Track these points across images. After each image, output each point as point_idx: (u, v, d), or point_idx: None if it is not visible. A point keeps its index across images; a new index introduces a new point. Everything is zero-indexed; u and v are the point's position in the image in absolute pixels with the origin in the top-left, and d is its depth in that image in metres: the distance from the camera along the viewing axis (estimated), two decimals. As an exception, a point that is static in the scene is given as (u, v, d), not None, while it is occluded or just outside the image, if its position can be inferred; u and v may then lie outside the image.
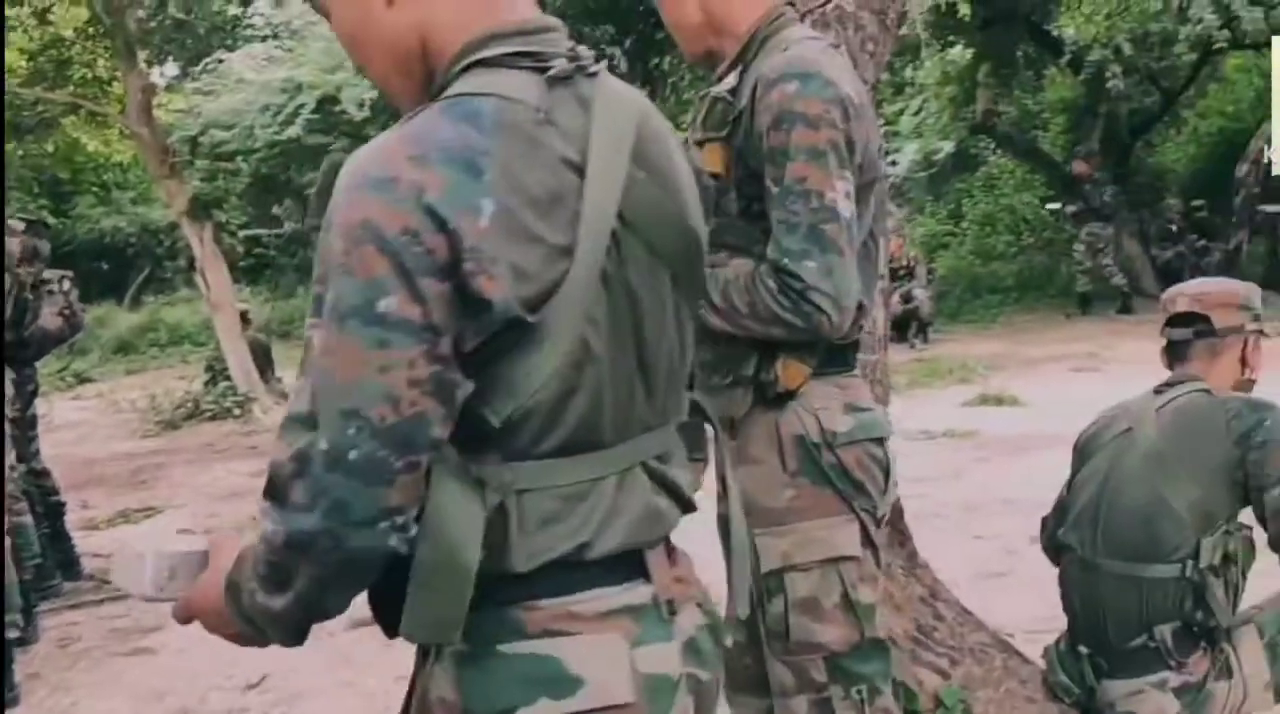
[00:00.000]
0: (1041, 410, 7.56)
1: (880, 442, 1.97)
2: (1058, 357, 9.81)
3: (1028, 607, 4.00)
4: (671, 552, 1.26)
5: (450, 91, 1.13)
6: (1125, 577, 2.60)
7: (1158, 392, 2.74)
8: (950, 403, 8.09)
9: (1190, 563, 2.54)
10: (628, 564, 1.18)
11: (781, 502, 1.90)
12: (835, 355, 1.93)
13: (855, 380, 2.00)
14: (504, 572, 1.11)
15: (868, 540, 1.94)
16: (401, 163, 1.05)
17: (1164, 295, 2.84)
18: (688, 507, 1.28)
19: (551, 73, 1.15)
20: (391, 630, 1.12)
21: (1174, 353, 2.76)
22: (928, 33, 11.96)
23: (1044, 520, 2.98)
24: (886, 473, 1.97)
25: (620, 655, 1.14)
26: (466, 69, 1.15)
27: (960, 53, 14.62)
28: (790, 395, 1.90)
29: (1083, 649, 2.73)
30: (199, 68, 10.56)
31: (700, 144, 1.91)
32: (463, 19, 1.18)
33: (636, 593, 1.18)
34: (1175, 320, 2.74)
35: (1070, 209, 13.01)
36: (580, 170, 1.11)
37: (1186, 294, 2.76)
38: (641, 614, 1.17)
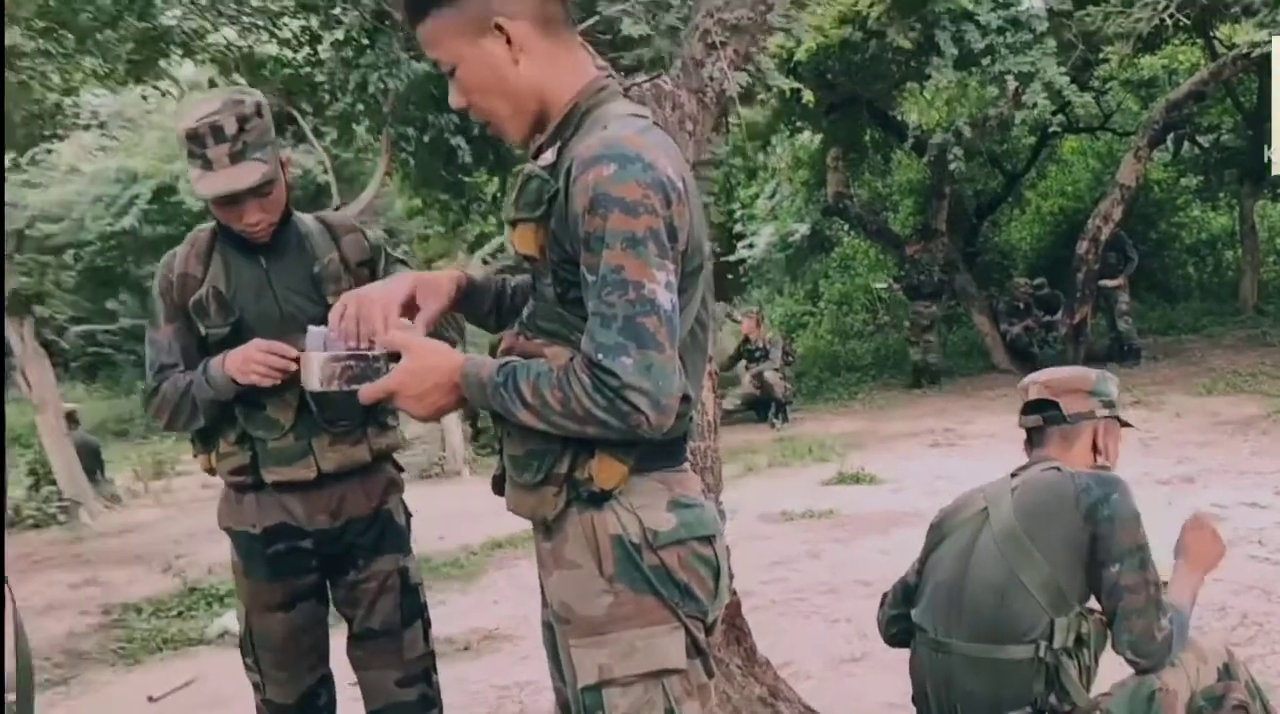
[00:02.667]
0: (899, 487, 7.58)
1: (708, 540, 1.82)
2: (915, 433, 9.88)
3: (883, 692, 3.90)
4: None
5: (596, 117, 1.78)
6: (978, 659, 2.52)
7: (1014, 475, 2.71)
8: (809, 482, 8.04)
9: (1044, 644, 2.46)
10: None
11: (599, 609, 1.75)
12: (658, 450, 1.79)
13: (681, 474, 1.85)
14: None
15: (695, 649, 1.80)
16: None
17: (1020, 383, 2.85)
18: None
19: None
20: None
21: (1030, 440, 2.77)
22: (776, 118, 12.15)
23: (883, 597, 2.93)
24: (716, 573, 1.82)
25: None
26: (589, 108, 1.80)
27: (809, 137, 14.95)
28: (607, 495, 1.76)
29: (933, 740, 2.59)
30: (25, 158, 10.08)
31: (513, 224, 1.80)
32: (571, 79, 1.81)
33: None
34: (1028, 407, 2.75)
35: (897, 287, 13.42)
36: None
37: (1039, 381, 2.77)
38: None
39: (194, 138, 2.53)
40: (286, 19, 9.51)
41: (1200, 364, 11.58)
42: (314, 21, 9.36)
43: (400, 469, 2.93)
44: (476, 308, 2.06)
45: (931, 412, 11.00)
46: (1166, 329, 13.90)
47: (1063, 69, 9.91)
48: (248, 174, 2.54)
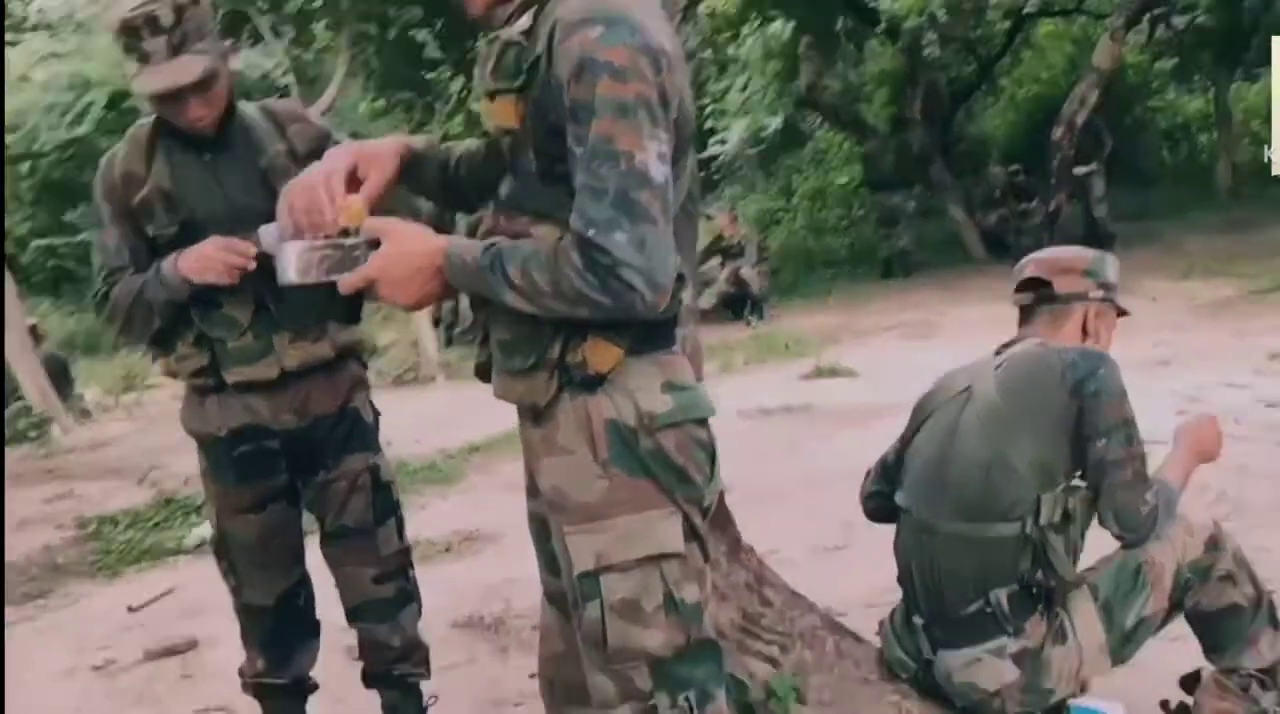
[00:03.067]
0: (876, 381, 7.55)
1: (703, 422, 1.77)
2: (891, 326, 9.86)
3: (867, 579, 3.90)
4: None
5: None
6: (964, 538, 2.50)
7: (997, 352, 2.68)
8: (786, 378, 8.01)
9: (1030, 520, 2.44)
10: None
11: (594, 495, 1.70)
12: (652, 331, 1.72)
13: (675, 357, 1.78)
14: None
15: (693, 533, 1.75)
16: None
17: (1017, 264, 2.79)
18: None
19: None
20: None
21: (1021, 318, 2.72)
22: (748, 6, 11.89)
23: (866, 473, 2.93)
24: (713, 456, 1.78)
25: None
26: None
27: (781, 27, 14.66)
28: (600, 379, 1.69)
29: (917, 620, 2.64)
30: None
31: (490, 96, 1.71)
32: None
33: None
34: (1022, 285, 2.70)
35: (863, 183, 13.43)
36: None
37: (1034, 259, 2.73)
38: None
39: (129, 31, 2.39)
40: (238, -87, 9.19)
41: (1176, 249, 11.56)
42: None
43: (364, 365, 2.86)
44: (421, 178, 1.97)
45: (908, 304, 10.97)
46: (1141, 214, 13.85)
47: (1038, -53, 9.68)
48: (190, 68, 2.41)
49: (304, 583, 2.84)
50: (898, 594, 3.65)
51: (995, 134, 16.91)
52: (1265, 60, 16.04)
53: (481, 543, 4.97)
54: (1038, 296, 2.67)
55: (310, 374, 2.66)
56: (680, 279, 1.68)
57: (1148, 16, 13.45)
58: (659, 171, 1.57)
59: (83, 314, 16.01)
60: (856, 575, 3.97)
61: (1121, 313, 2.71)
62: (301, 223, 2.19)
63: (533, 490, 1.88)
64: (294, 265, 1.73)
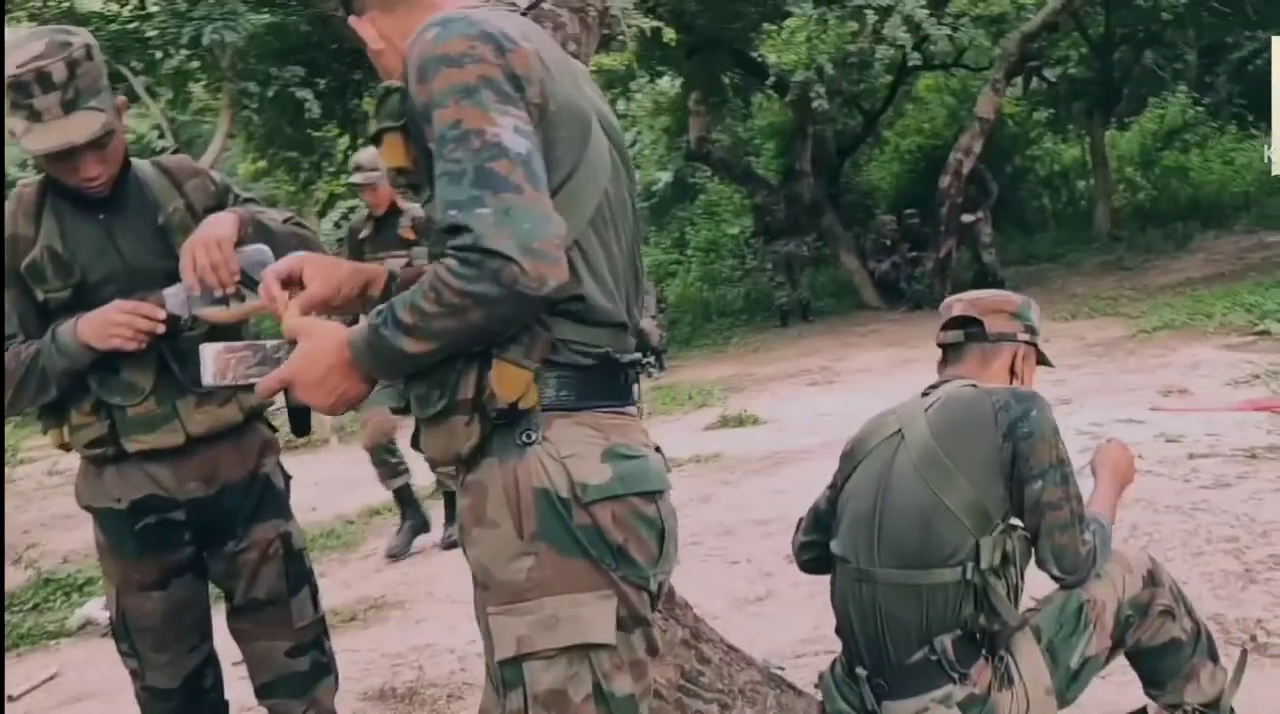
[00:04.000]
0: (782, 427, 7.55)
1: (651, 496, 1.61)
2: (792, 373, 9.89)
3: (791, 629, 3.83)
4: None
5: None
6: (904, 586, 2.42)
7: (925, 394, 2.61)
8: (692, 428, 7.95)
9: (970, 565, 2.37)
10: None
11: (519, 573, 1.55)
12: (595, 380, 1.60)
13: (623, 419, 1.64)
14: None
15: (634, 619, 1.59)
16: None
17: (943, 304, 2.79)
18: None
19: None
20: None
21: (946, 357, 2.70)
22: (637, 63, 11.99)
23: (797, 524, 2.83)
24: (661, 534, 1.62)
25: None
26: None
27: (669, 83, 14.81)
28: (518, 417, 1.53)
29: (860, 671, 2.52)
30: None
31: (377, 139, 1.63)
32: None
33: None
34: (950, 323, 2.68)
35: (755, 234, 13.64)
36: None
37: (963, 299, 2.72)
38: None
39: (18, 87, 2.23)
40: (110, -30, 8.94)
41: (1062, 291, 11.86)
42: (140, -29, 8.82)
43: (274, 428, 2.71)
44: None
45: (806, 351, 11.04)
46: (1026, 259, 14.23)
47: (921, 2, 9.92)
48: (84, 125, 2.27)
49: (211, 662, 2.65)
50: (824, 644, 3.59)
51: (881, 184, 17.30)
52: (1137, 109, 16.83)
53: (388, 610, 4.77)
54: (967, 335, 2.64)
55: (218, 440, 2.51)
56: (606, 293, 1.59)
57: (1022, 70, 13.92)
58: (517, 142, 1.47)
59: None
60: (780, 626, 3.90)
61: (1042, 362, 2.70)
62: (211, 282, 2.08)
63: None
64: (211, 368, 1.70)
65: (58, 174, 2.38)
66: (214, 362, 1.69)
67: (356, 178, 5.39)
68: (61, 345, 2.36)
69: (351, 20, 1.75)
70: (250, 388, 1.70)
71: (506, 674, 1.57)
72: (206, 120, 13.21)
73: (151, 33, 8.79)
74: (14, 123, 2.28)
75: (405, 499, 5.61)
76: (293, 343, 1.63)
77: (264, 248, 2.36)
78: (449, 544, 5.25)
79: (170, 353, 2.42)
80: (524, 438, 1.55)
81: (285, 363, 1.61)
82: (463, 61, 1.48)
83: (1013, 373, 2.62)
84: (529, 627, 1.54)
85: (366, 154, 5.29)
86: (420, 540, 5.59)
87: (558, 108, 1.56)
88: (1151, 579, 2.51)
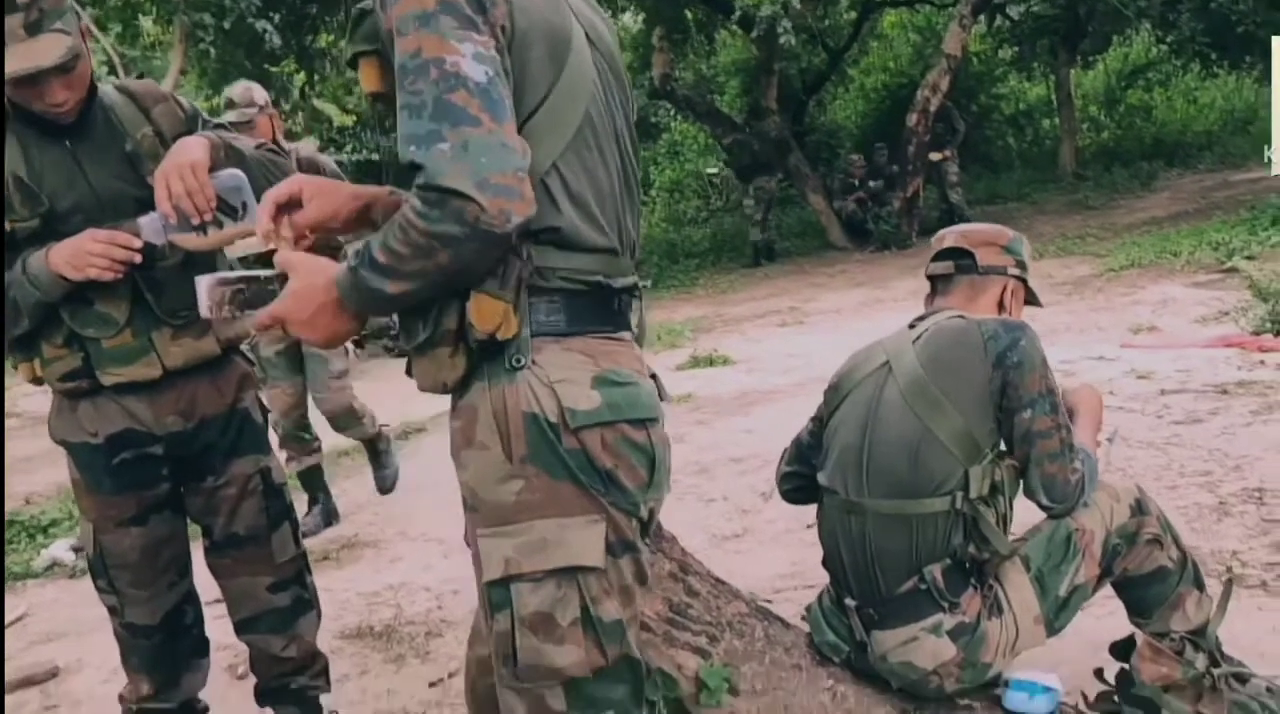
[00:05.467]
0: (753, 367, 7.54)
1: (642, 423, 1.60)
2: (761, 313, 9.88)
3: (770, 565, 3.84)
4: None
5: None
6: (893, 515, 2.42)
7: (912, 326, 2.59)
8: (663, 368, 7.78)
9: (960, 494, 2.38)
10: None
11: (508, 495, 1.54)
12: (586, 305, 1.58)
13: (615, 345, 1.62)
14: None
15: (623, 545, 1.59)
16: None
17: (935, 236, 2.76)
18: None
19: None
20: None
21: (934, 289, 2.68)
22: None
23: (781, 455, 2.82)
24: (652, 462, 1.61)
25: None
26: None
27: (632, 19, 14.60)
28: (496, 344, 1.52)
29: (849, 602, 2.53)
30: None
31: (352, 63, 1.59)
32: None
33: None
34: (940, 255, 2.67)
35: (728, 171, 13.51)
36: None
37: (955, 231, 2.71)
38: None
39: None
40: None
41: (1028, 230, 11.82)
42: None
43: (251, 362, 2.65)
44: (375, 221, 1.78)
45: (774, 292, 11.03)
46: (992, 198, 14.25)
47: (889, -66, 9.80)
48: (50, 49, 2.17)
49: (190, 599, 2.61)
50: (803, 579, 3.59)
51: (846, 123, 17.21)
52: (1101, 48, 16.79)
53: (361, 549, 4.72)
54: (958, 267, 2.62)
55: (195, 372, 2.46)
56: (582, 211, 1.56)
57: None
58: (477, 70, 1.42)
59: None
60: (758, 563, 3.90)
61: (1031, 301, 2.69)
62: (187, 209, 2.12)
63: None
64: (205, 301, 1.67)
65: (22, 100, 2.28)
66: (208, 294, 1.66)
67: (230, 115, 4.58)
68: (33, 276, 2.28)
69: None
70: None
71: (494, 596, 1.57)
72: (157, 56, 12.89)
73: (100, -39, 8.55)
74: None
75: (315, 481, 5.19)
76: (284, 276, 1.60)
77: (238, 173, 2.30)
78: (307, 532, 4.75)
79: (145, 283, 2.35)
80: (513, 362, 1.54)
81: (277, 300, 1.58)
82: None
83: (1001, 306, 2.61)
84: (516, 549, 1.54)
85: (238, 89, 4.80)
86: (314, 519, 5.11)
87: (528, 25, 1.51)
88: (1139, 508, 2.52)
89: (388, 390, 7.99)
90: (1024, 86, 17.47)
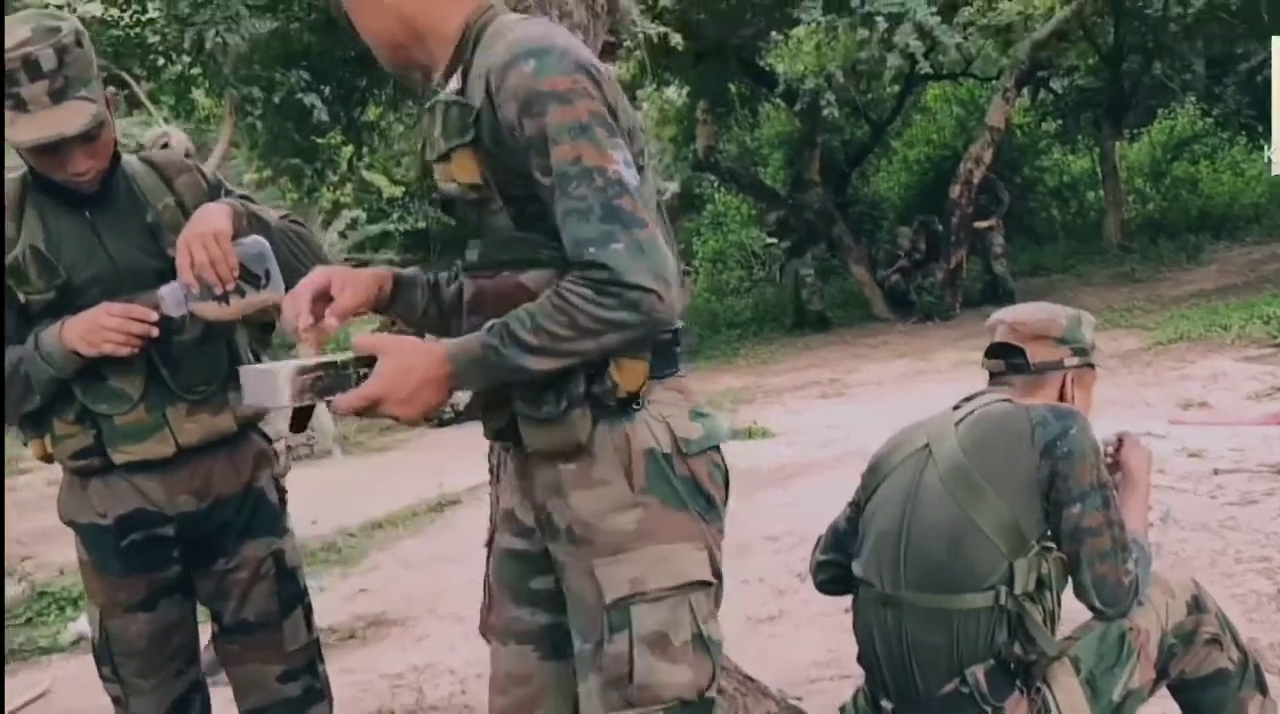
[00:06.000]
0: (793, 440, 7.43)
1: (719, 448, 1.81)
2: (802, 385, 9.76)
3: (805, 651, 3.71)
4: None
5: (491, 32, 1.72)
6: (933, 610, 2.27)
7: (957, 407, 2.45)
8: (700, 440, 7.79)
9: (1004, 589, 2.22)
10: None
11: (628, 524, 1.70)
12: (663, 355, 1.75)
13: (687, 381, 1.82)
14: None
15: (717, 572, 1.77)
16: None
17: (988, 321, 2.59)
18: None
19: None
20: None
21: (991, 382, 2.52)
22: (643, 71, 11.90)
23: (816, 541, 2.67)
24: (727, 480, 1.82)
25: None
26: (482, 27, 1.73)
27: (676, 92, 14.71)
28: (634, 399, 1.70)
29: (885, 704, 2.38)
30: None
31: (446, 157, 1.72)
32: (454, 7, 1.77)
33: None
34: (993, 350, 2.50)
35: (785, 244, 13.48)
36: None
37: (1005, 322, 2.51)
38: None
39: (4, 75, 2.11)
40: (110, -27, 8.82)
41: (1073, 303, 11.36)
42: (140, -25, 8.70)
43: (269, 439, 2.57)
44: (410, 302, 1.91)
45: (815, 363, 10.91)
46: (1036, 270, 14.09)
47: (932, 9, 9.80)
48: (74, 116, 2.14)
49: (198, 688, 2.52)
50: (839, 669, 3.46)
51: (889, 195, 17.15)
52: (1145, 120, 16.70)
53: (388, 626, 4.65)
54: (1009, 366, 2.47)
55: (210, 450, 2.39)
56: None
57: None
58: (631, 177, 1.61)
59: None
60: (795, 647, 3.79)
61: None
62: (210, 279, 2.13)
63: (517, 528, 1.88)
64: (288, 390, 1.66)
65: (44, 168, 2.25)
66: (290, 383, 1.65)
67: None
68: (46, 352, 2.23)
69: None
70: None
71: (614, 618, 1.69)
72: (211, 129, 13.10)
73: (153, 38, 8.70)
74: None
75: None
76: (362, 360, 1.65)
77: (261, 240, 2.26)
78: None
79: (160, 357, 2.29)
80: (633, 406, 1.71)
81: (371, 379, 1.63)
82: (572, 98, 1.60)
83: (1062, 399, 2.44)
84: (641, 568, 1.69)
85: (152, 136, 4.66)
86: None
87: (630, 125, 1.70)
88: (1196, 605, 2.38)
89: (427, 461, 8.01)
90: (1068, 159, 17.36)
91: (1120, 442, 2.55)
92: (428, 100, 1.81)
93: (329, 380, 1.67)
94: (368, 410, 1.65)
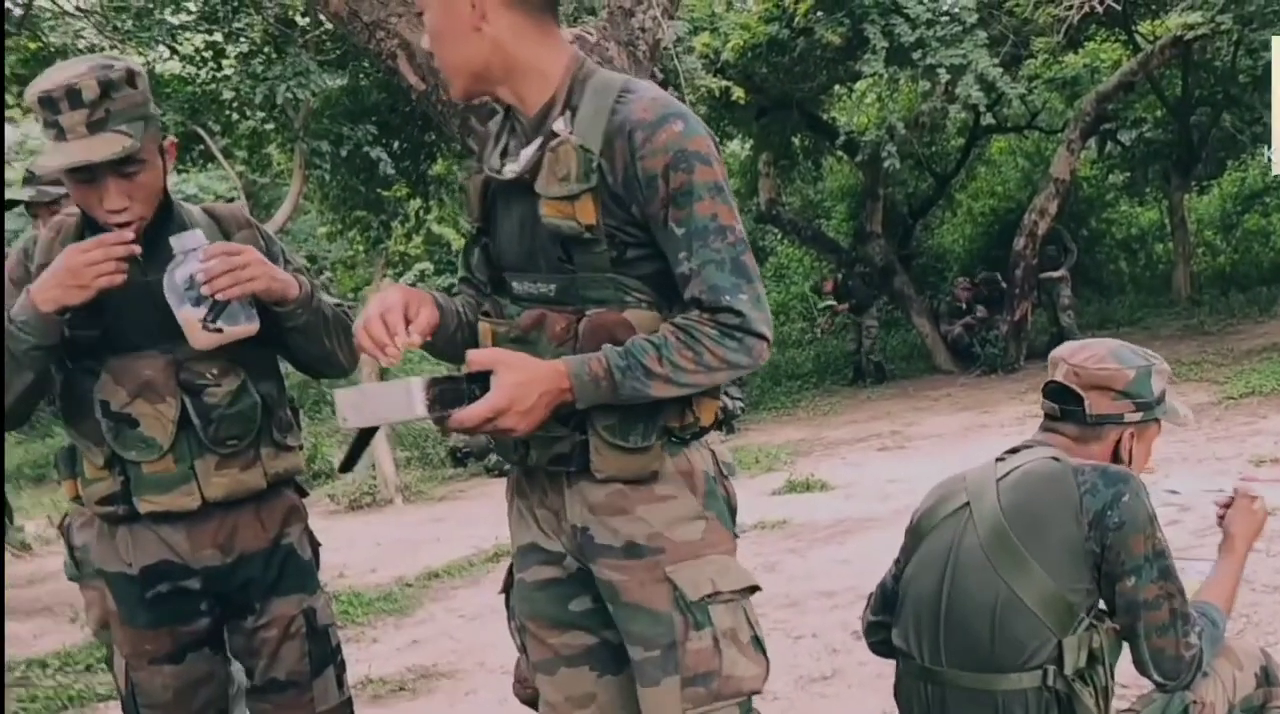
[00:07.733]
0: (851, 493, 7.34)
1: None
2: (862, 437, 9.66)
3: (857, 711, 3.58)
4: None
5: (596, 84, 1.84)
6: (977, 691, 2.14)
7: (1001, 459, 2.30)
8: (759, 493, 7.72)
9: (1052, 669, 2.09)
10: None
11: (696, 534, 1.88)
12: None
13: None
14: None
15: None
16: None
17: (1051, 354, 2.40)
18: None
19: None
20: None
21: (1044, 426, 2.35)
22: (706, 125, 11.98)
23: (867, 600, 2.54)
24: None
25: None
26: (585, 78, 1.85)
27: (739, 145, 14.76)
28: (705, 432, 1.91)
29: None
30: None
31: (571, 198, 1.79)
32: (551, 55, 1.86)
33: None
34: (1050, 390, 2.32)
35: (842, 307, 13.50)
36: None
37: (1070, 362, 2.30)
38: None
39: (46, 103, 2.10)
40: (188, 34, 9.04)
41: (1141, 357, 11.46)
42: (218, 35, 8.92)
43: (304, 493, 2.54)
44: (445, 327, 1.98)
45: (876, 415, 10.79)
46: (1103, 323, 13.85)
47: (995, 61, 9.76)
48: (105, 146, 2.09)
49: None
50: (895, 731, 3.38)
51: (953, 247, 17.02)
52: (1215, 172, 16.44)
53: (437, 679, 4.61)
54: (1064, 411, 2.29)
55: (237, 505, 2.35)
56: None
57: (1096, 134, 13.66)
58: (745, 236, 1.82)
59: (30, 444, 15.48)
60: (846, 707, 3.70)
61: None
62: (214, 272, 2.16)
63: (543, 558, 1.96)
64: (421, 397, 1.70)
65: (82, 203, 2.21)
66: (423, 392, 1.70)
67: (28, 192, 3.50)
68: (21, 322, 2.13)
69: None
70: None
71: (697, 615, 1.84)
72: (285, 183, 13.36)
73: (228, 94, 8.91)
74: (46, 142, 2.16)
75: None
76: (475, 376, 1.74)
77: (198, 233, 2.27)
78: None
79: (195, 409, 2.26)
80: (698, 436, 1.91)
81: (495, 391, 1.72)
82: (711, 160, 1.78)
83: (1116, 457, 2.26)
84: (713, 572, 1.87)
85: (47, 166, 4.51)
86: None
87: None
88: (1265, 677, 2.28)
89: (486, 511, 8.02)
90: (1136, 211, 17.13)
91: (1232, 498, 2.41)
92: (508, 125, 1.94)
93: (451, 394, 1.72)
94: (485, 423, 1.72)
